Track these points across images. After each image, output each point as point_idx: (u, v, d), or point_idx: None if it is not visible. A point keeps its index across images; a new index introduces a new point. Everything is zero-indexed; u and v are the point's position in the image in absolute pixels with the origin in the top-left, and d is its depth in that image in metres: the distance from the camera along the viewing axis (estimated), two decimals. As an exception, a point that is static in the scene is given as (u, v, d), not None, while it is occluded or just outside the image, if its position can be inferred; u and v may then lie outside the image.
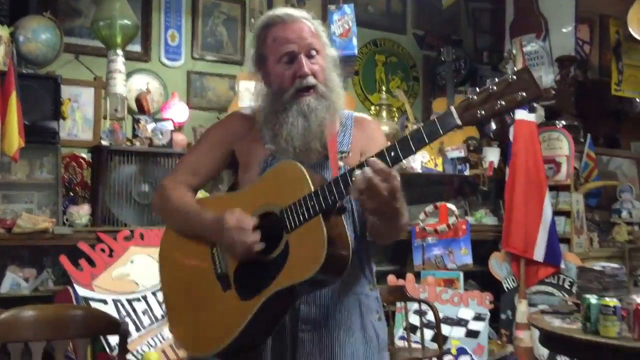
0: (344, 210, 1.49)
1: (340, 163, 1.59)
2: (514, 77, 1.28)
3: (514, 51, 4.42)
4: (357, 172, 1.32)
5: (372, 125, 1.76)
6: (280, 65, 1.61)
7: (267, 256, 1.47)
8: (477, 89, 1.32)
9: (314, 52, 1.61)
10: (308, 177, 1.45)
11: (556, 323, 2.61)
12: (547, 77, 4.64)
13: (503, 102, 1.28)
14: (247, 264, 1.50)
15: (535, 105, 4.23)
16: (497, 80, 1.30)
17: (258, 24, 1.69)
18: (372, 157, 1.33)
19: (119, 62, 3.58)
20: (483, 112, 1.29)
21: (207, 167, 1.73)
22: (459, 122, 1.30)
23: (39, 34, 3.43)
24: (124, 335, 1.86)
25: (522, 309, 3.96)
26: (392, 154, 1.34)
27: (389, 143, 1.50)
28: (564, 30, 4.72)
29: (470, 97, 1.31)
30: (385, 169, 1.30)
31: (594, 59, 5.33)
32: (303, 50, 1.59)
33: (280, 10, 1.67)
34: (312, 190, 1.43)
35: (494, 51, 5.31)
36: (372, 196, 1.30)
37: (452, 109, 1.32)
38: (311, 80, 1.58)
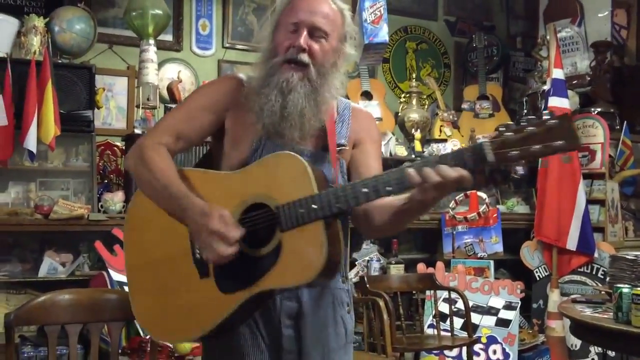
0: (347, 214, 1.44)
1: (338, 156, 1.52)
2: (555, 122, 1.19)
3: (547, 37, 4.34)
4: (411, 170, 1.27)
5: (368, 118, 1.69)
6: (284, 34, 1.49)
7: (255, 251, 1.38)
8: (513, 125, 1.24)
9: (320, 34, 1.47)
10: (312, 176, 1.36)
11: (587, 312, 2.58)
12: (582, 63, 4.55)
13: (539, 147, 1.20)
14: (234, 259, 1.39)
15: (569, 91, 4.15)
16: (536, 121, 1.22)
17: None
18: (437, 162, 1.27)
19: (151, 51, 3.63)
20: (517, 152, 1.21)
21: (194, 131, 1.54)
22: (491, 158, 1.23)
23: (73, 24, 3.50)
24: (156, 319, 1.89)
25: (554, 298, 3.91)
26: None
27: (382, 138, 1.46)
28: (599, 15, 4.61)
29: (506, 133, 1.22)
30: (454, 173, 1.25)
31: (631, 44, 5.19)
32: (308, 25, 1.46)
33: None
34: (316, 192, 1.34)
35: (528, 37, 5.21)
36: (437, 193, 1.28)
37: (486, 144, 1.24)
38: (304, 56, 1.45)
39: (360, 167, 1.57)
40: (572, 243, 3.85)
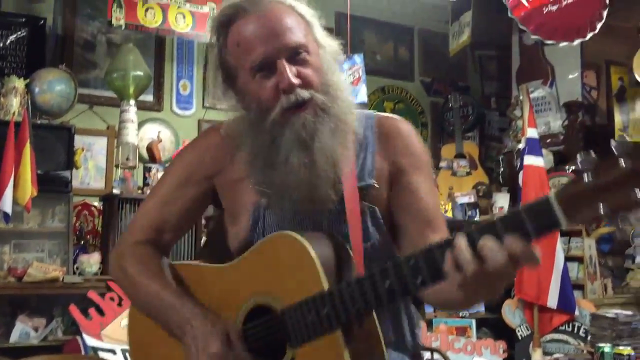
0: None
1: (365, 205, 1.14)
2: (628, 163, 0.80)
3: (521, 97, 4.46)
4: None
5: (402, 131, 1.23)
6: (255, 82, 1.12)
7: None
8: (584, 174, 0.84)
9: (298, 51, 1.12)
10: (318, 263, 1.02)
11: (571, 373, 2.56)
12: (554, 122, 4.67)
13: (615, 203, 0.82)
14: None
15: (544, 150, 4.24)
16: (598, 163, 0.83)
17: (214, 21, 1.18)
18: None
19: (131, 112, 3.65)
20: (600, 208, 0.83)
21: (176, 217, 1.24)
22: (562, 222, 0.85)
23: (54, 85, 3.52)
24: (132, 388, 1.83)
25: (537, 358, 3.87)
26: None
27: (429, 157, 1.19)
28: (570, 76, 4.76)
29: (576, 183, 0.85)
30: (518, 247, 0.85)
31: (601, 103, 5.36)
32: (283, 52, 1.11)
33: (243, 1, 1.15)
34: (325, 286, 1.01)
35: (501, 97, 5.36)
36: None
37: (552, 199, 0.85)
38: (302, 92, 1.10)
39: (407, 212, 1.18)
40: (552, 301, 3.85)
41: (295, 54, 1.12)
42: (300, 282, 1.04)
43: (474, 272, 0.87)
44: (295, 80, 1.11)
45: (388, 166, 1.18)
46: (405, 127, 1.24)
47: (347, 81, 1.22)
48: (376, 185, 1.16)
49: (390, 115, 1.28)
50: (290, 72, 1.10)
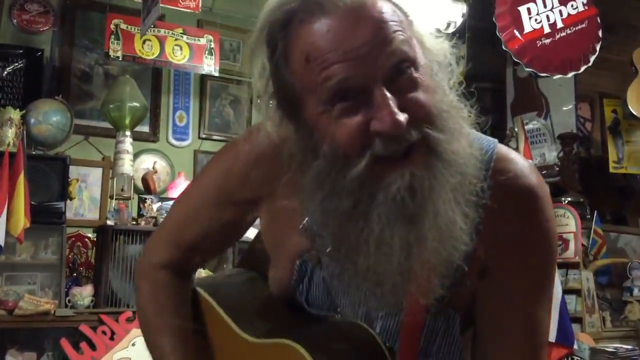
0: None
1: (448, 309, 0.83)
2: None
3: (516, 129, 4.48)
4: None
5: (529, 203, 0.83)
6: (331, 116, 0.75)
7: None
8: None
9: (404, 66, 0.74)
10: None
11: (572, 409, 2.51)
12: (550, 154, 4.68)
13: None
14: None
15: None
16: None
17: (267, 20, 0.79)
18: None
19: (127, 142, 3.64)
20: None
21: (212, 239, 1.00)
22: None
23: (49, 116, 3.51)
24: None
25: (536, 393, 3.81)
26: None
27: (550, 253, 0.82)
28: (564, 108, 4.80)
29: None
30: None
31: (596, 135, 5.39)
32: (381, 75, 0.73)
33: None
34: None
35: (496, 129, 5.37)
36: None
37: None
38: (409, 134, 0.73)
39: (488, 321, 0.85)
40: (551, 335, 3.80)
41: (398, 74, 0.74)
42: None
43: None
44: (402, 118, 0.71)
45: (489, 251, 0.80)
46: (538, 198, 0.83)
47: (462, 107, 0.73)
48: (466, 283, 0.79)
49: (517, 160, 0.86)
50: (390, 104, 0.71)
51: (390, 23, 0.74)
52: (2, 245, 2.99)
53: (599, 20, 3.62)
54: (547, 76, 3.62)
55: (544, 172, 4.56)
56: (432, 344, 0.82)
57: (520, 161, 0.87)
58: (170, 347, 0.97)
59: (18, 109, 3.40)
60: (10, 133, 3.31)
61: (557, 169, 4.60)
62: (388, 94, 0.72)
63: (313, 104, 0.76)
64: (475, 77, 5.18)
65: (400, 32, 0.74)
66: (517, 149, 4.42)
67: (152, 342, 1.01)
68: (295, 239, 0.89)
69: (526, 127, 4.51)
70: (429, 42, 0.82)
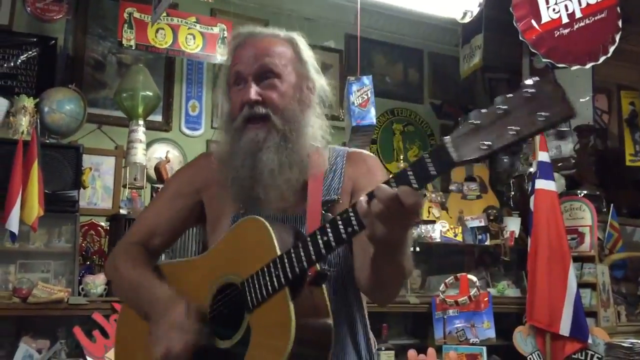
0: (323, 277, 1.16)
1: (327, 215, 1.26)
2: (532, 90, 0.88)
3: (532, 121, 4.42)
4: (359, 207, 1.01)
5: (370, 160, 1.41)
6: (234, 91, 1.34)
7: (225, 342, 1.21)
8: (480, 111, 0.93)
9: (270, 75, 1.30)
10: (274, 236, 1.16)
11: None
12: (566, 146, 4.62)
13: (517, 128, 0.88)
14: (200, 353, 1.22)
15: (555, 174, 4.20)
16: (508, 96, 0.90)
17: (228, 45, 1.42)
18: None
19: (140, 132, 3.64)
20: (490, 143, 0.90)
21: (166, 224, 1.43)
22: (454, 158, 0.92)
23: (63, 104, 3.51)
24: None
25: (549, 386, 3.79)
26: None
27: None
28: (581, 100, 4.73)
29: (472, 121, 0.92)
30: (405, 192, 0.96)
31: (613, 127, 5.32)
32: (252, 72, 1.30)
33: (242, 29, 1.40)
34: (278, 254, 1.14)
35: (512, 120, 5.32)
36: (389, 220, 0.98)
37: (447, 140, 0.94)
38: (259, 109, 1.29)
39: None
40: (565, 328, 3.77)
41: (264, 77, 1.31)
42: (259, 256, 1.16)
43: (385, 212, 0.98)
44: (254, 97, 1.29)
45: (351, 184, 1.34)
46: (370, 157, 1.43)
47: (320, 124, 1.39)
48: (339, 200, 1.32)
49: (357, 149, 1.47)
50: (253, 89, 1.29)
51: (273, 51, 1.33)
52: (17, 233, 3.00)
53: (618, 10, 3.55)
54: (565, 67, 3.57)
55: (559, 165, 4.51)
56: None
57: (353, 148, 1.47)
58: (140, 273, 1.35)
59: (32, 97, 3.40)
60: (24, 121, 3.31)
61: (573, 161, 4.54)
62: (253, 84, 1.30)
63: (231, 83, 1.35)
64: (491, 67, 5.14)
65: (277, 56, 1.32)
66: (532, 141, 4.37)
67: (127, 283, 1.37)
68: (228, 207, 1.35)
69: (542, 118, 4.45)
70: (313, 76, 1.37)
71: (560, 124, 0.97)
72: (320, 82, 1.38)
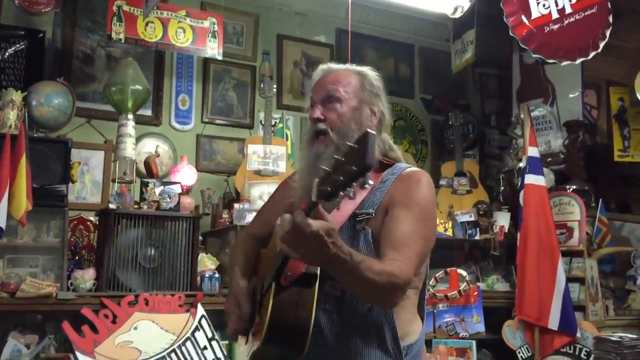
0: (309, 278, 1.34)
1: (360, 227, 1.45)
2: (355, 145, 1.08)
3: (521, 116, 4.44)
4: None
5: (414, 178, 1.53)
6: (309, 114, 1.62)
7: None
8: (335, 156, 1.14)
9: (332, 99, 1.54)
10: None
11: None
12: (555, 141, 4.64)
13: (341, 177, 1.08)
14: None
15: (544, 169, 4.21)
16: (348, 145, 1.11)
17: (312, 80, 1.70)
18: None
19: (129, 126, 3.61)
20: (329, 188, 1.10)
21: (274, 220, 1.57)
22: (314, 198, 1.14)
23: (51, 98, 3.48)
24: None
25: (538, 380, 3.81)
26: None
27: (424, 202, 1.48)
28: (570, 95, 4.75)
29: (327, 168, 1.13)
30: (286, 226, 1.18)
31: (602, 123, 5.35)
32: (320, 98, 1.56)
33: (323, 65, 1.67)
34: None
35: (502, 115, 5.34)
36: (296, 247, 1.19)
37: (315, 182, 1.15)
38: (320, 125, 1.53)
39: (383, 236, 1.45)
40: (553, 323, 3.79)
41: (328, 101, 1.55)
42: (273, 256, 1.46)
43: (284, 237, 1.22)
44: (317, 115, 1.54)
45: (389, 201, 1.47)
46: (415, 176, 1.54)
47: (377, 143, 1.59)
48: (373, 214, 1.46)
49: (418, 169, 1.58)
50: (317, 109, 1.55)
51: (340, 81, 1.58)
52: (4, 227, 2.97)
53: (609, 6, 3.56)
54: (554, 62, 3.57)
55: (548, 160, 4.53)
56: (359, 247, 1.44)
57: (415, 168, 1.61)
58: (237, 262, 1.70)
59: (20, 91, 3.37)
60: (12, 115, 3.28)
61: (562, 156, 4.57)
62: (319, 106, 1.57)
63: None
64: (481, 62, 5.15)
65: (342, 85, 1.57)
66: (522, 136, 4.38)
67: (230, 267, 1.78)
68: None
69: (532, 113, 4.46)
70: (379, 106, 1.63)
71: (362, 175, 1.07)
72: (382, 107, 1.62)
